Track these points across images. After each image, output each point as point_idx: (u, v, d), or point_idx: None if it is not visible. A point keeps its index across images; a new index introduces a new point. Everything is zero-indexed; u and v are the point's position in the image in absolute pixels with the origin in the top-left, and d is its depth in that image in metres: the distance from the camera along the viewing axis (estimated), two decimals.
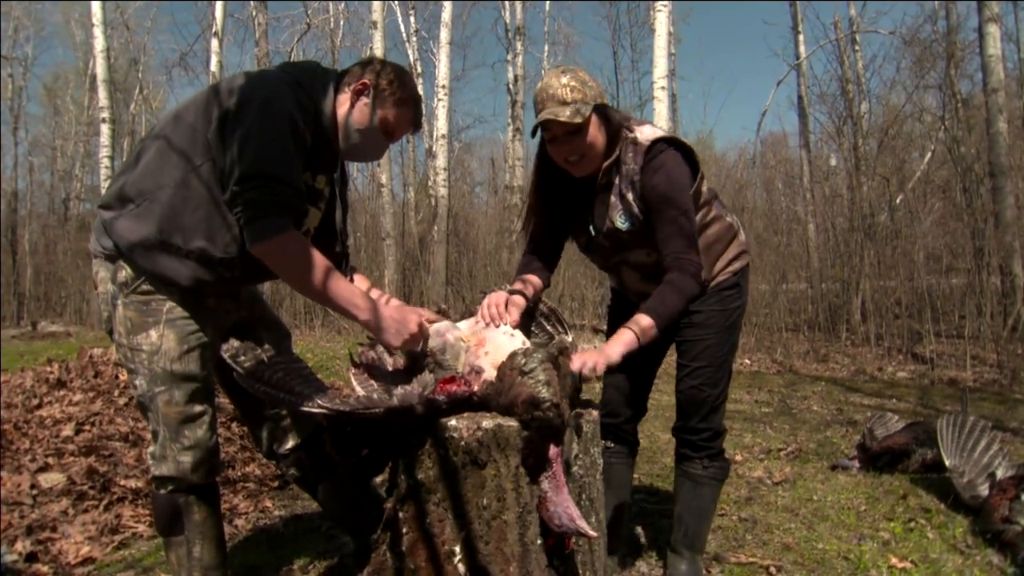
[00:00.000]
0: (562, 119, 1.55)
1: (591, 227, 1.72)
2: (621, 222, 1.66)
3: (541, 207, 1.81)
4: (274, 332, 1.74)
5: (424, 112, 1.69)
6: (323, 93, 1.54)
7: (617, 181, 1.67)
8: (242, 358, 1.36)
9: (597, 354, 1.46)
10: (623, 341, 1.51)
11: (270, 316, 1.78)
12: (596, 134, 1.62)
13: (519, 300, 1.59)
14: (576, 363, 1.39)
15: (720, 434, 1.83)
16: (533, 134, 1.68)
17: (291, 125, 1.43)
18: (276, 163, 1.40)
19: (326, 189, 1.66)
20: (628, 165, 1.65)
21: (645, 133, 1.66)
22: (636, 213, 1.66)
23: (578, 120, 1.55)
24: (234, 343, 1.40)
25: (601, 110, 1.63)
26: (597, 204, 1.71)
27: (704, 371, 1.78)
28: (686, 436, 1.83)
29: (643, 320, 1.54)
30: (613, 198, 1.67)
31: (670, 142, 1.66)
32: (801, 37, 12.85)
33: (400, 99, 1.58)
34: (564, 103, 1.56)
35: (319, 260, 1.44)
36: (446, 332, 1.42)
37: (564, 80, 1.57)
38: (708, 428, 1.80)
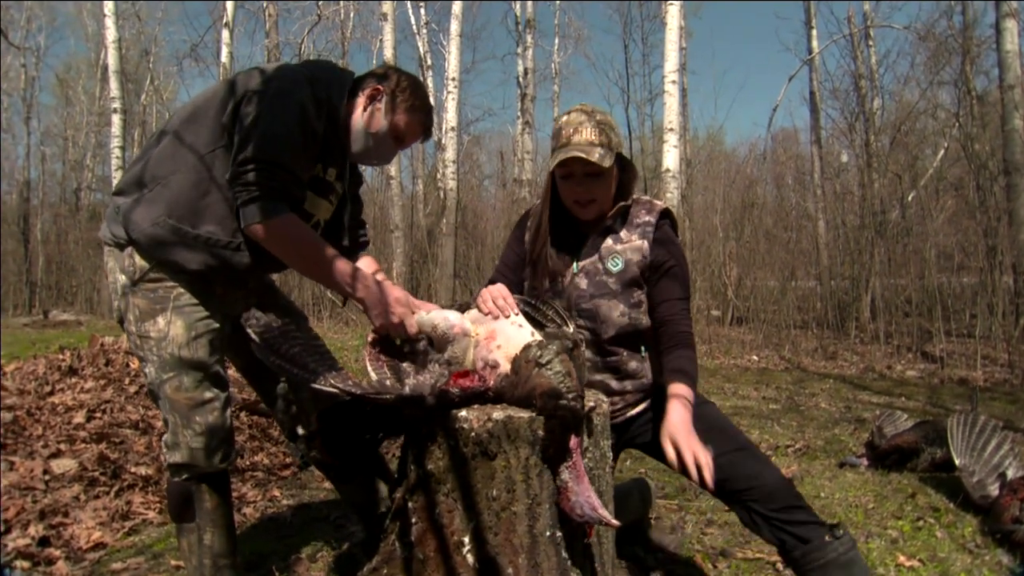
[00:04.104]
0: (593, 159, 1.53)
1: (575, 264, 1.67)
2: (613, 264, 1.63)
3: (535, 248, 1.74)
4: (287, 318, 1.75)
5: (434, 121, 1.71)
6: (338, 92, 1.56)
7: (620, 229, 1.65)
8: (261, 328, 1.36)
9: (695, 440, 1.40)
10: (689, 410, 1.47)
11: (282, 302, 1.79)
12: (611, 182, 1.63)
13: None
14: (689, 455, 1.37)
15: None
16: (553, 167, 1.62)
17: (302, 114, 1.44)
18: (280, 149, 1.41)
19: (337, 184, 1.67)
20: (641, 218, 1.65)
21: (657, 201, 1.69)
22: (631, 261, 1.62)
23: (607, 164, 1.55)
24: (256, 313, 1.41)
25: (620, 159, 1.63)
26: (588, 246, 1.67)
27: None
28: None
29: (684, 390, 1.49)
30: (610, 241, 1.65)
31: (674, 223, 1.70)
32: (814, 32, 12.73)
33: (412, 106, 1.61)
34: (592, 144, 1.55)
35: (314, 240, 1.46)
36: (456, 322, 1.41)
37: (597, 118, 1.58)
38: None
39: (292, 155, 1.44)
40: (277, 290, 1.81)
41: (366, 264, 1.75)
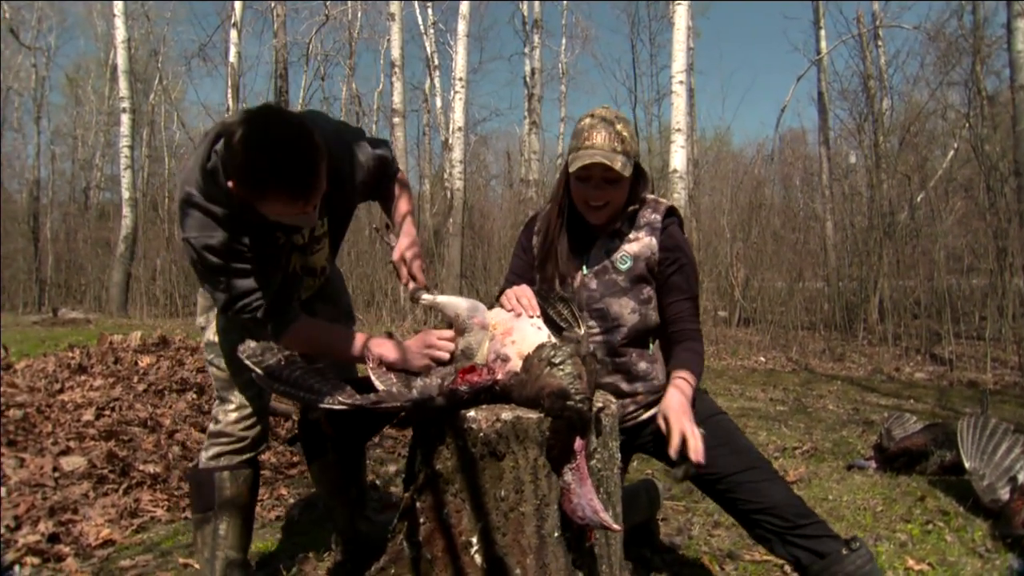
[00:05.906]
0: (616, 167, 1.53)
1: (584, 266, 1.68)
2: (622, 263, 1.64)
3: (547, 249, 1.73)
4: (330, 306, 1.81)
5: (304, 168, 1.29)
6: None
7: (628, 230, 1.66)
8: (259, 358, 1.37)
9: (687, 419, 1.44)
10: (687, 394, 1.52)
11: (330, 290, 1.83)
12: (627, 189, 1.64)
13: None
14: (677, 433, 1.42)
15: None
16: (570, 169, 1.61)
17: (215, 251, 1.40)
18: (229, 298, 1.46)
19: (317, 228, 1.61)
20: (647, 216, 1.66)
21: (661, 200, 1.71)
22: (640, 258, 1.63)
23: (627, 173, 1.56)
24: (250, 344, 1.41)
25: (638, 168, 1.64)
26: (597, 248, 1.68)
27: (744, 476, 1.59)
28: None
29: (689, 375, 1.56)
30: (619, 242, 1.66)
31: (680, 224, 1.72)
32: (823, 32, 12.69)
33: (248, 186, 1.28)
34: (616, 151, 1.55)
35: (322, 337, 1.55)
36: (477, 314, 1.42)
37: (618, 127, 1.58)
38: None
39: (241, 290, 1.45)
40: (335, 276, 1.87)
41: (404, 203, 1.71)
